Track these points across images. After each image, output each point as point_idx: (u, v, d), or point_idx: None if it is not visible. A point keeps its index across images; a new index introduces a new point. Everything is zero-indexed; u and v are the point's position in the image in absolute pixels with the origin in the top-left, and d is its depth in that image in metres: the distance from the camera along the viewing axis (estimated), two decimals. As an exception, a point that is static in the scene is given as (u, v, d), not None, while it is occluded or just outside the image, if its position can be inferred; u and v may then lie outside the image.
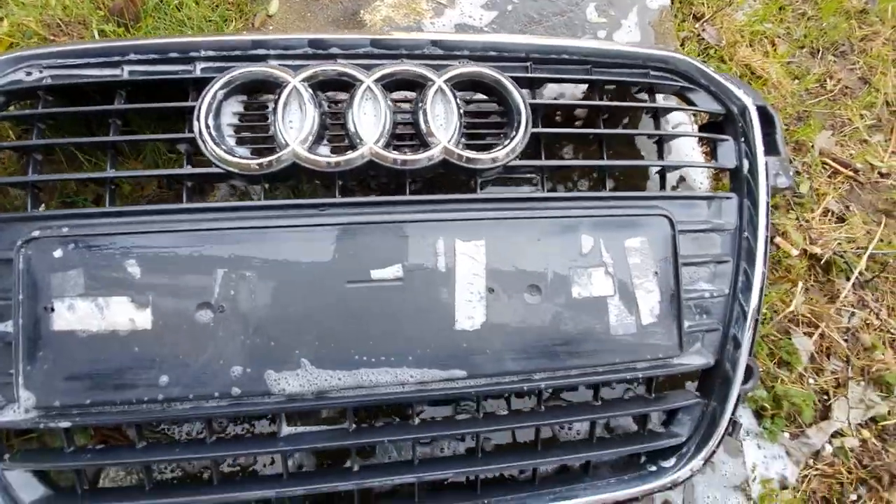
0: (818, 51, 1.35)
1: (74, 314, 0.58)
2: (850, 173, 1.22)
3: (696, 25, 1.29)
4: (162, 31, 0.99)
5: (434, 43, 0.73)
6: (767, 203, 0.75)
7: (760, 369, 0.98)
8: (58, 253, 0.59)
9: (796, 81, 1.30)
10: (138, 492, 0.63)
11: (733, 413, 0.72)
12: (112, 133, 0.66)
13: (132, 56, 0.70)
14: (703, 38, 1.27)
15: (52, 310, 0.58)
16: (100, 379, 0.58)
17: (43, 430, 0.60)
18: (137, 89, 0.70)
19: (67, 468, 0.62)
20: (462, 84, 0.68)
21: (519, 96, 0.67)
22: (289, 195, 0.82)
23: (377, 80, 0.65)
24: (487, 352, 0.60)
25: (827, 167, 1.22)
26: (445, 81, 0.65)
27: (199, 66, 0.69)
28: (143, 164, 0.88)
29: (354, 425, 0.62)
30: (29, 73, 0.72)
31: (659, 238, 0.68)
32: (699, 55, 1.25)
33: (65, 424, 0.58)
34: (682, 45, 1.26)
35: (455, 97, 0.66)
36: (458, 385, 0.59)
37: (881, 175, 1.25)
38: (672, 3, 1.27)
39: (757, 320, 0.73)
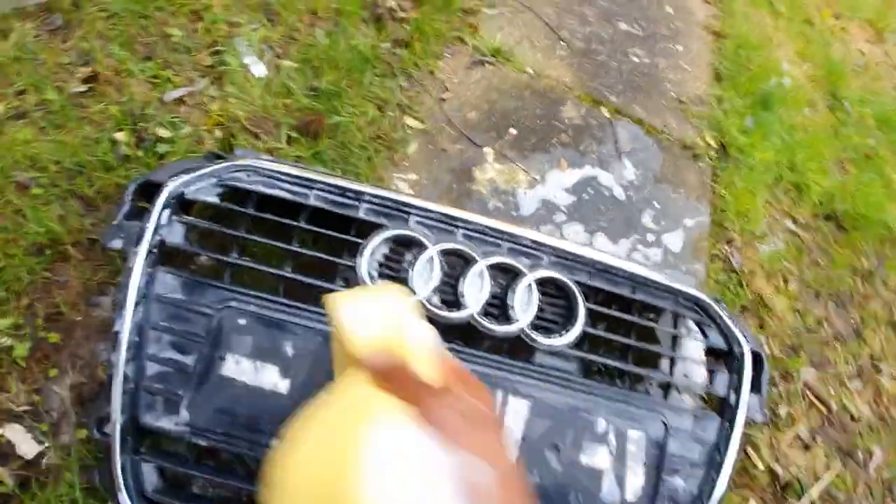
0: (821, 296, 1.62)
1: (238, 367, 0.82)
2: (824, 409, 1.45)
3: (726, 247, 1.57)
4: (332, 150, 1.30)
5: (530, 240, 1.00)
6: (742, 431, 0.98)
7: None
8: (242, 321, 0.84)
9: (797, 317, 1.56)
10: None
11: None
12: (294, 244, 0.92)
13: (319, 187, 0.98)
14: (729, 261, 1.55)
15: (224, 359, 0.82)
16: (239, 418, 0.81)
17: (186, 441, 0.82)
18: (314, 213, 0.97)
19: (182, 473, 0.83)
20: (543, 280, 0.95)
21: (582, 302, 0.93)
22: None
23: (489, 264, 0.92)
24: None
25: (805, 399, 1.44)
26: (535, 279, 0.92)
27: (363, 207, 0.97)
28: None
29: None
30: (249, 176, 1.00)
31: (654, 436, 0.91)
32: (722, 273, 1.53)
33: (203, 442, 0.80)
34: (710, 260, 1.54)
35: (537, 291, 0.92)
36: None
37: (851, 418, 1.47)
38: (711, 226, 1.57)
39: None
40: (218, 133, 1.34)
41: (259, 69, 1.44)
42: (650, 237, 1.46)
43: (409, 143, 1.42)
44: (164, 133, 1.28)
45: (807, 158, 1.82)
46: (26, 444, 0.99)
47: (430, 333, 0.55)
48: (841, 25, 2.60)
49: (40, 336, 1.03)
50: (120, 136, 1.25)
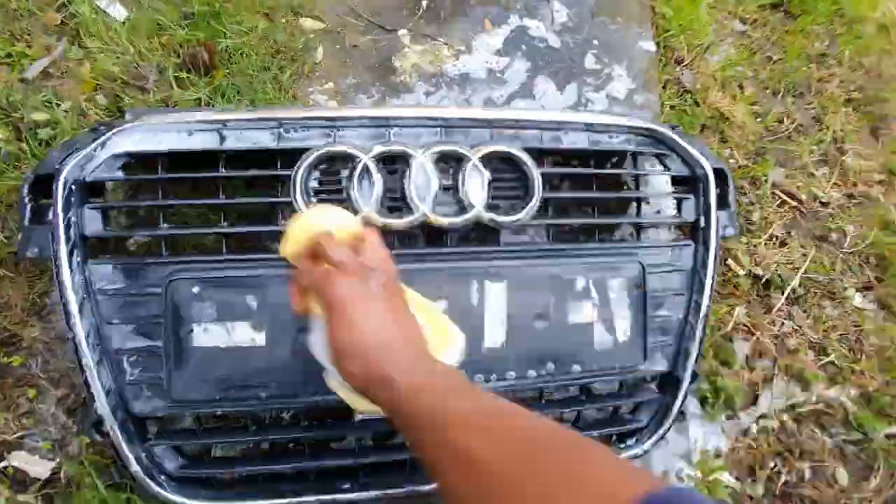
0: (780, 92, 1.63)
1: (208, 334, 0.83)
2: (795, 203, 1.53)
3: (677, 69, 1.55)
4: (230, 81, 1.20)
5: (466, 118, 0.98)
6: (717, 249, 1.04)
7: (706, 367, 1.30)
8: (195, 289, 0.83)
9: (758, 121, 1.58)
10: (245, 460, 0.91)
11: (681, 405, 1.03)
12: (221, 196, 0.89)
13: (231, 125, 0.92)
14: (681, 82, 1.53)
15: (192, 331, 0.83)
16: (228, 380, 0.84)
17: (180, 416, 0.86)
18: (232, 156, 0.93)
19: (198, 444, 0.88)
20: (489, 156, 0.94)
21: (535, 170, 0.93)
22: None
23: (428, 156, 0.90)
24: (507, 363, 0.87)
25: (776, 198, 1.52)
26: (480, 158, 0.91)
27: (281, 134, 0.93)
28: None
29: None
30: (146, 137, 0.94)
31: (633, 279, 0.96)
32: (678, 97, 1.52)
33: (202, 412, 0.84)
34: (663, 87, 1.52)
35: (485, 171, 0.91)
36: (486, 386, 0.87)
37: (821, 204, 1.56)
38: (657, 48, 1.53)
39: (702, 337, 1.03)
40: (101, 98, 1.23)
41: (117, 10, 1.29)
42: (596, 80, 1.42)
43: (314, 50, 1.32)
44: (40, 117, 1.17)
45: (744, -55, 1.72)
46: (37, 466, 1.03)
47: (346, 218, 0.68)
48: None
49: (3, 362, 1.03)
50: (-6, 134, 1.15)
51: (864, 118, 1.66)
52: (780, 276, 1.40)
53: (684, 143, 1.06)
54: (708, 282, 0.98)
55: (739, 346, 1.32)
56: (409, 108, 0.96)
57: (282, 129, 0.92)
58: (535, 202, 0.90)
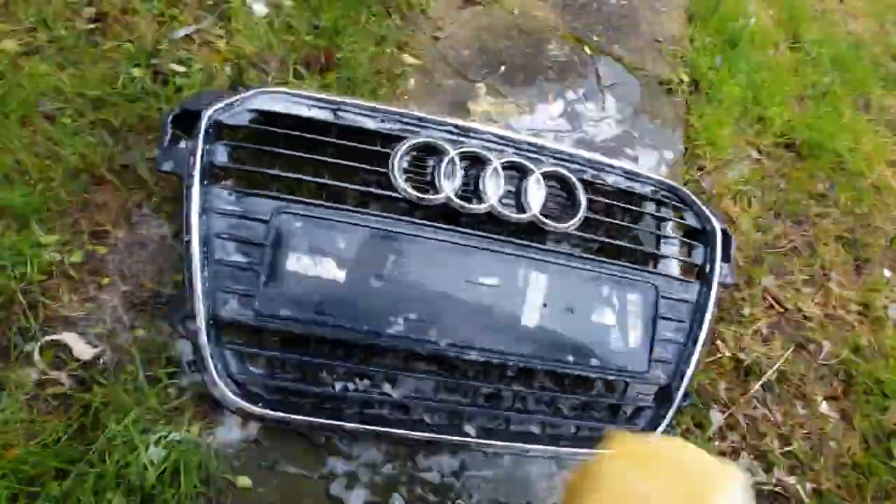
0: (781, 215, 1.91)
1: (299, 262, 1.00)
2: (782, 310, 1.74)
3: (698, 174, 1.83)
4: (338, 84, 1.46)
5: (531, 144, 1.22)
6: (717, 292, 1.24)
7: (682, 427, 1.44)
8: (297, 224, 1.02)
9: (759, 234, 1.83)
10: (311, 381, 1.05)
11: (672, 418, 1.18)
12: (330, 155, 1.10)
13: (344, 108, 1.15)
14: (701, 185, 1.81)
15: (286, 257, 1.00)
16: (306, 305, 0.99)
17: (263, 327, 1.00)
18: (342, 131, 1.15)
19: (266, 355, 1.02)
20: (548, 175, 1.17)
21: (583, 194, 1.15)
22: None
23: (501, 163, 1.12)
24: (538, 342, 1.05)
25: (766, 300, 1.73)
26: (541, 174, 1.14)
27: (383, 122, 1.16)
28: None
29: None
30: (276, 101, 1.16)
31: (648, 298, 1.16)
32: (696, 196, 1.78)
33: (276, 326, 0.99)
34: (684, 184, 1.79)
35: (544, 184, 1.14)
36: (518, 359, 1.04)
37: (804, 317, 1.77)
38: (684, 153, 1.82)
39: (697, 362, 1.20)
40: (228, 70, 1.48)
41: (259, 7, 1.57)
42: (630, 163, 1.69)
43: (407, 79, 1.60)
44: (178, 68, 1.41)
45: (770, 93, 2.08)
46: (81, 347, 1.14)
47: None
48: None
49: (88, 249, 1.18)
50: (136, 71, 1.38)
51: (850, 255, 1.92)
52: (759, 366, 1.58)
53: (700, 203, 1.30)
54: (707, 317, 1.18)
55: (715, 417, 1.48)
56: (486, 124, 1.20)
57: (382, 119, 1.15)
58: (579, 217, 1.12)
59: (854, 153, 2.09)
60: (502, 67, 1.74)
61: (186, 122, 1.10)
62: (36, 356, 1.08)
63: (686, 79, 1.98)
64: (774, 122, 2.04)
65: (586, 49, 1.91)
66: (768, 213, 1.89)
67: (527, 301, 1.05)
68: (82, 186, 1.22)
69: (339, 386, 1.03)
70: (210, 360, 0.95)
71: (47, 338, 1.09)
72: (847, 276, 1.89)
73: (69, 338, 1.14)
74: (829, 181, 2.03)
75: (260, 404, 0.96)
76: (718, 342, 1.58)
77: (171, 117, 1.10)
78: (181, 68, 1.41)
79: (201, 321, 0.95)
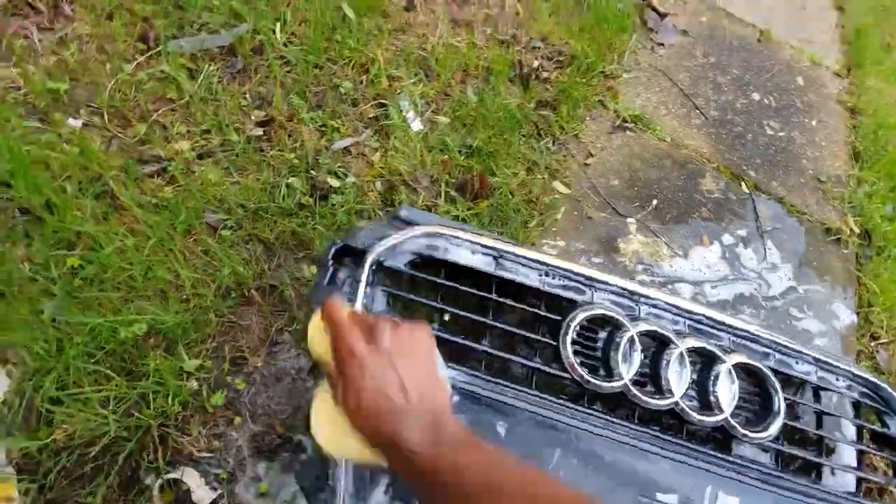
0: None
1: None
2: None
3: (872, 344, 1.59)
4: (489, 215, 1.41)
5: (709, 318, 1.07)
6: None
7: None
8: (454, 398, 0.92)
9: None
10: None
11: None
12: (489, 317, 1.01)
13: (507, 256, 1.08)
14: (876, 359, 1.56)
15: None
16: None
17: None
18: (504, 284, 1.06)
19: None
20: (738, 365, 1.01)
21: (780, 393, 0.98)
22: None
23: (687, 348, 0.98)
24: None
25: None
26: (732, 365, 0.98)
27: (548, 279, 1.06)
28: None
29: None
30: (436, 243, 1.11)
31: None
32: (870, 372, 1.54)
33: None
34: (856, 357, 1.56)
35: (737, 379, 0.98)
36: None
37: None
38: (857, 317, 1.60)
39: None
40: (379, 185, 1.47)
41: (416, 124, 1.57)
42: (793, 322, 1.49)
43: (557, 209, 1.52)
44: (333, 182, 1.41)
45: (952, 251, 1.83)
46: (201, 493, 1.07)
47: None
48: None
49: (227, 381, 1.14)
50: (294, 181, 1.39)
51: None
52: None
53: (910, 409, 1.08)
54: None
55: None
56: (660, 291, 1.07)
57: (547, 273, 1.05)
58: (778, 423, 0.94)
59: None
60: (654, 202, 1.63)
61: (344, 255, 1.06)
62: (155, 492, 1.02)
63: (856, 228, 1.78)
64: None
65: (743, 185, 1.77)
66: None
67: (710, 530, 0.88)
68: (230, 307, 1.20)
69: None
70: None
71: (170, 476, 1.03)
72: None
73: (191, 480, 1.07)
74: None
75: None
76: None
77: (332, 251, 1.06)
78: (336, 182, 1.41)
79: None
